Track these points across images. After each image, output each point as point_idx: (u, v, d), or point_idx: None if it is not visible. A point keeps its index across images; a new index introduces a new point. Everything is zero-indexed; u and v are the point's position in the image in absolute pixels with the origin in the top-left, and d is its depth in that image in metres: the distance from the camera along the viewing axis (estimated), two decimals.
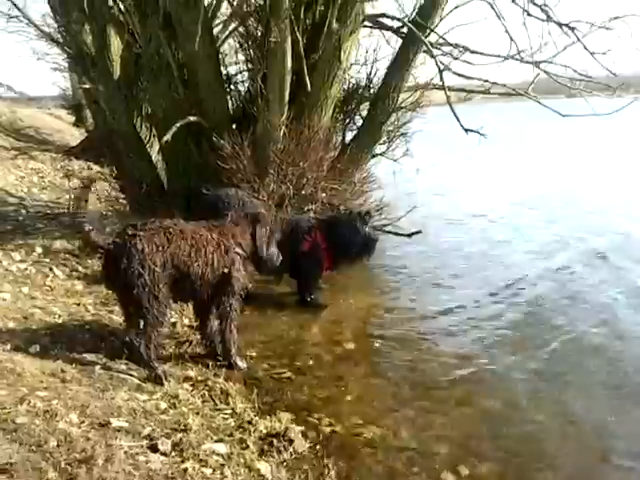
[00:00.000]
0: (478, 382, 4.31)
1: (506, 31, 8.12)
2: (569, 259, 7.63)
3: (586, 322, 5.44)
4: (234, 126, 7.50)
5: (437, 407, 3.92)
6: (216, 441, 3.17)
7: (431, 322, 5.49)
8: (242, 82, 8.37)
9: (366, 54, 8.46)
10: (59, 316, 4.71)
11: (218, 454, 3.02)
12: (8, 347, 3.84)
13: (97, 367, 3.84)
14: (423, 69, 8.25)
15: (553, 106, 7.91)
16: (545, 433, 3.65)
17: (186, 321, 5.05)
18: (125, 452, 2.80)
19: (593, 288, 6.44)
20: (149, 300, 3.85)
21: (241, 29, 8.22)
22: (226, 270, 4.13)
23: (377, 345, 4.92)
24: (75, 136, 18.80)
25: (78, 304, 5.09)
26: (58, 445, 2.72)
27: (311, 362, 4.55)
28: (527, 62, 8.27)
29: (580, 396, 4.11)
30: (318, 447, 3.36)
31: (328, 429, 3.57)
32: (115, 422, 3.08)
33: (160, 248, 3.89)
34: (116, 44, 8.82)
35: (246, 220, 4.41)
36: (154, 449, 2.92)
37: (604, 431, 3.68)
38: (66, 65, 16.92)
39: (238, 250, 4.24)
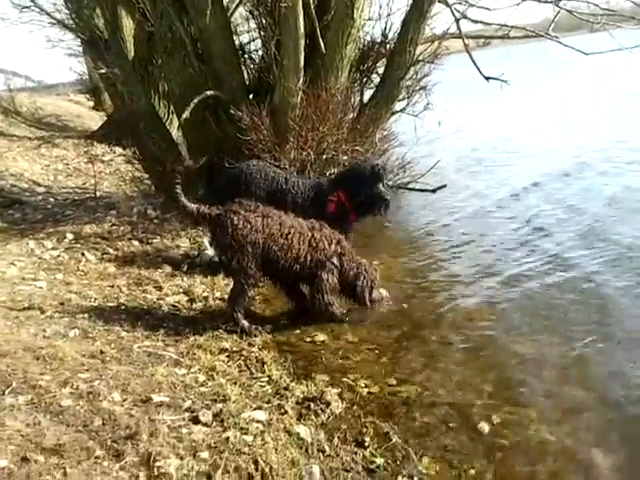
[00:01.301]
0: (506, 331, 4.30)
1: None
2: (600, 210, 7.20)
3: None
4: (251, 97, 7.47)
5: (469, 360, 3.92)
6: (255, 409, 3.24)
7: (457, 277, 5.45)
8: (256, 51, 8.30)
9: (380, 9, 8.32)
10: (95, 299, 4.84)
11: (258, 421, 3.10)
12: (48, 333, 3.96)
13: (135, 346, 3.94)
14: (440, 18, 8.08)
15: (576, 43, 7.69)
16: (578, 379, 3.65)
17: (217, 294, 5.12)
18: (168, 426, 2.90)
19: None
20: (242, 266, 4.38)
21: None
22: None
23: (406, 306, 4.90)
24: (95, 120, 18.96)
25: (112, 286, 5.20)
26: (103, 424, 2.83)
27: (344, 325, 4.57)
28: (546, 2, 8.03)
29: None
30: (355, 408, 3.40)
31: (364, 390, 3.60)
32: (156, 397, 3.18)
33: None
34: (128, 25, 8.83)
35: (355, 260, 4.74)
36: (196, 421, 3.01)
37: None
38: (81, 50, 17.06)
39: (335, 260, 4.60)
